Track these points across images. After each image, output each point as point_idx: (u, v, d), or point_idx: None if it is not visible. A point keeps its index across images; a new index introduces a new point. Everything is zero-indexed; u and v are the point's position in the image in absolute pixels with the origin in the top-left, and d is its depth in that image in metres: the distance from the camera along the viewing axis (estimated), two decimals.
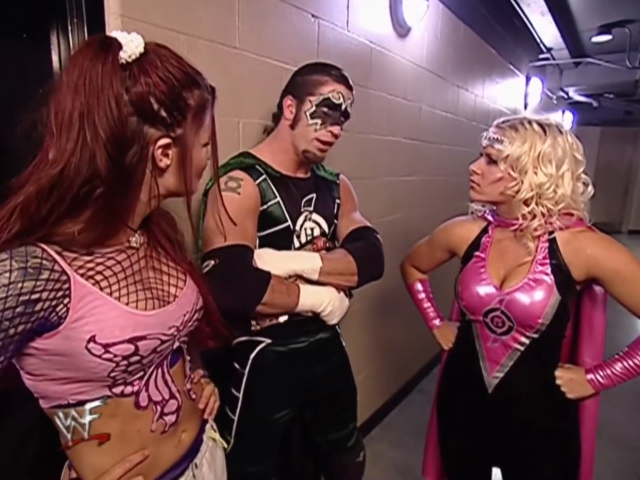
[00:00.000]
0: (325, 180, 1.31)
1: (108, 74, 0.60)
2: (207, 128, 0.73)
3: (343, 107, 1.16)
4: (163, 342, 0.71)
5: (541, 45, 4.27)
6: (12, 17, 0.96)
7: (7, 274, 0.55)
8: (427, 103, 2.58)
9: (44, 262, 0.59)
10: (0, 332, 0.56)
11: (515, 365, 1.11)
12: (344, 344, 1.39)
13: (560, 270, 1.05)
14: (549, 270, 1.06)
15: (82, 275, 0.63)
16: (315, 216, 1.24)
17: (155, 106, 0.64)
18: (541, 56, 4.49)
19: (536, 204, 1.05)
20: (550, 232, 1.08)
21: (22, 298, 0.56)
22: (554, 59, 4.65)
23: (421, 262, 1.42)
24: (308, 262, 1.14)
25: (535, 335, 1.07)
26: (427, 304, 1.42)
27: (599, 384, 1.08)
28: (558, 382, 1.11)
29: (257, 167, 1.18)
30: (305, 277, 1.14)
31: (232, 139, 1.41)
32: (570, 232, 1.07)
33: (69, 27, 1.02)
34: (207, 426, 0.90)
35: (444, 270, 1.43)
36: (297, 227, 1.19)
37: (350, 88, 1.18)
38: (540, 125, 1.05)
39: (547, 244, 1.08)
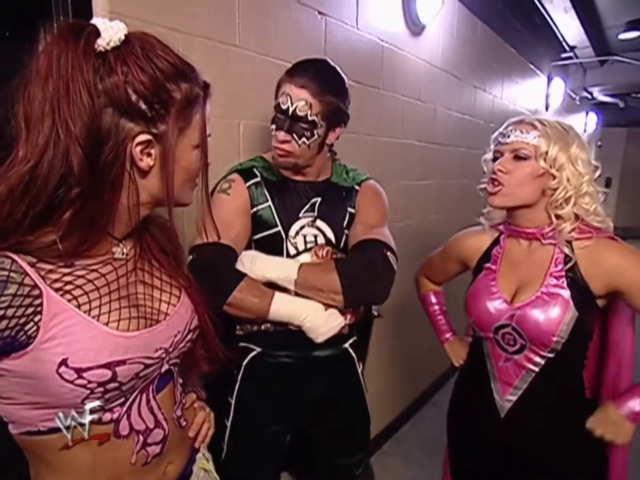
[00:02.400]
0: (336, 186, 1.22)
1: (79, 61, 0.53)
2: (197, 127, 0.64)
3: (290, 110, 1.04)
4: (147, 366, 0.64)
5: (564, 44, 4.12)
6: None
7: None
8: (443, 104, 2.49)
9: (12, 274, 0.53)
10: None
11: (530, 388, 1.02)
12: (359, 367, 1.28)
13: (577, 283, 0.97)
14: (564, 284, 0.98)
15: (57, 289, 0.57)
16: (319, 223, 1.16)
17: (133, 97, 0.57)
18: (564, 55, 4.34)
19: (574, 204, 0.98)
20: (569, 242, 1.00)
21: None
22: (577, 57, 4.49)
23: (434, 274, 1.36)
24: (284, 271, 1.06)
25: (551, 355, 0.99)
26: (439, 317, 1.36)
27: (637, 414, 0.96)
28: (597, 433, 0.98)
29: (255, 170, 1.16)
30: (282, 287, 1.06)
31: (232, 142, 1.35)
32: (591, 241, 0.98)
33: (55, 25, 0.97)
34: (199, 455, 0.82)
35: (461, 282, 1.33)
36: (292, 233, 1.13)
37: (302, 86, 1.03)
38: (561, 125, 1.01)
39: (562, 255, 1.00)
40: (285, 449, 1.28)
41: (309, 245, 1.14)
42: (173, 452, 0.73)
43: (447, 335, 1.33)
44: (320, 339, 1.07)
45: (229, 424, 1.18)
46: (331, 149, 1.23)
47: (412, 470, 2.18)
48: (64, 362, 0.55)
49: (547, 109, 4.18)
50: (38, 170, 0.54)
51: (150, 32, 0.63)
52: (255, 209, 1.12)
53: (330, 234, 1.17)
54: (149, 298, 0.69)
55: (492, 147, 1.08)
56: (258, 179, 1.14)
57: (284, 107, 1.05)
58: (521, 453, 1.05)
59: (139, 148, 0.59)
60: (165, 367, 0.69)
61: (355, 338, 1.27)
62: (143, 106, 0.58)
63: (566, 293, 0.96)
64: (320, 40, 1.60)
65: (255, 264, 1.06)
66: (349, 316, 1.15)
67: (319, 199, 1.17)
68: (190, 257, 1.03)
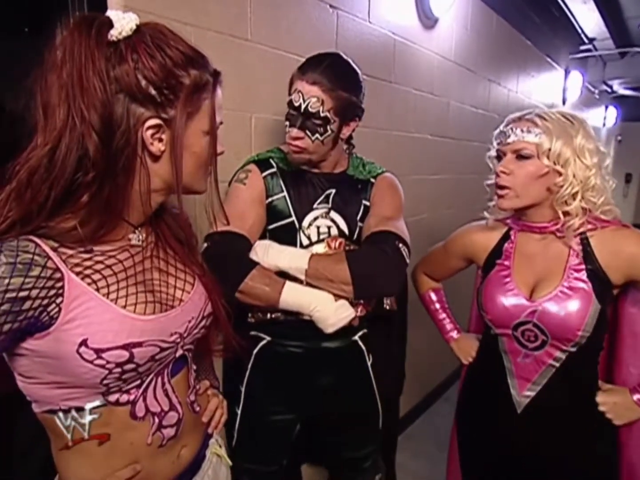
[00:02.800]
0: (352, 179, 1.22)
1: (91, 50, 0.56)
2: (207, 113, 0.65)
3: (302, 107, 1.05)
4: (163, 349, 0.66)
5: (582, 36, 4.02)
6: (13, 11, 0.94)
7: None
8: (456, 98, 2.46)
9: (36, 257, 0.55)
10: None
11: (549, 383, 1.00)
12: (368, 360, 1.28)
13: (597, 275, 0.96)
14: (585, 277, 0.96)
15: (78, 273, 0.59)
16: (333, 214, 1.17)
17: (143, 83, 0.59)
18: (582, 47, 4.24)
19: (581, 198, 0.96)
20: (582, 234, 0.98)
21: (8, 295, 0.53)
22: (596, 49, 4.37)
23: (435, 270, 1.32)
24: (295, 261, 1.06)
25: (573, 349, 0.97)
26: (442, 315, 1.32)
27: None
28: (602, 408, 0.99)
29: (271, 160, 1.18)
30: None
31: (244, 135, 1.36)
32: (605, 231, 0.97)
33: (71, 20, 0.99)
34: (212, 441, 0.84)
35: (458, 276, 1.32)
36: (305, 224, 1.15)
37: (313, 83, 1.04)
38: (564, 116, 0.98)
39: (580, 247, 0.98)
40: (294, 438, 1.29)
41: (322, 237, 1.15)
42: (187, 435, 0.75)
43: (453, 333, 1.29)
44: (329, 329, 1.07)
45: (239, 412, 1.20)
46: (349, 141, 1.23)
47: (423, 465, 2.18)
48: (84, 343, 0.57)
49: (564, 102, 4.10)
50: (57, 154, 0.56)
51: None
52: (270, 199, 1.14)
53: (344, 226, 1.18)
54: (164, 284, 0.71)
55: (494, 144, 1.06)
56: (274, 170, 1.16)
57: (296, 104, 1.06)
58: (537, 448, 1.04)
59: (149, 132, 0.61)
60: (180, 352, 0.71)
61: (365, 330, 1.27)
62: (153, 92, 0.59)
63: (587, 286, 0.95)
64: (332, 34, 1.60)
65: (268, 254, 1.07)
66: (360, 308, 1.16)
67: (333, 191, 1.18)
68: (205, 245, 1.04)
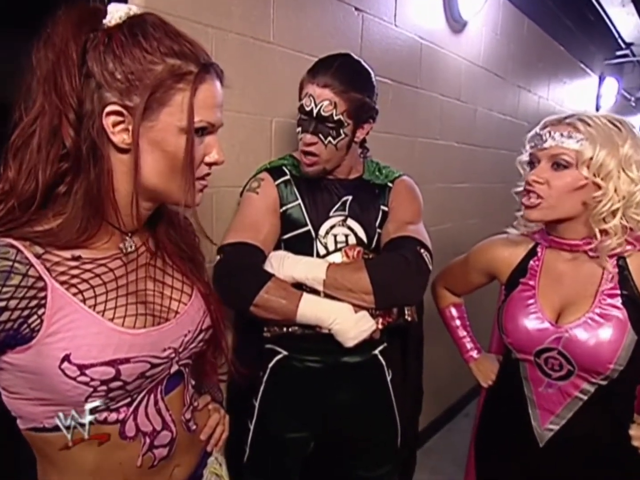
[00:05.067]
0: (369, 184, 1.18)
1: (72, 34, 0.55)
2: (183, 107, 0.58)
3: (315, 112, 1.01)
4: (154, 365, 0.62)
5: (619, 40, 3.87)
6: (34, 14, 0.94)
7: None
8: (484, 105, 2.39)
9: (16, 265, 0.52)
10: None
11: (576, 417, 0.91)
12: (388, 376, 1.23)
13: (634, 302, 0.87)
14: (619, 303, 0.87)
15: (62, 282, 0.56)
16: (350, 222, 1.13)
17: (110, 66, 0.55)
18: (618, 53, 4.08)
19: (622, 216, 0.86)
20: (619, 255, 0.89)
21: None
22: (634, 55, 4.20)
23: (455, 285, 1.24)
24: (312, 271, 1.02)
25: (604, 383, 0.88)
26: (462, 333, 1.24)
27: None
28: (635, 443, 0.90)
29: (284, 168, 1.14)
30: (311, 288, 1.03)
31: (264, 139, 1.34)
32: None
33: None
34: (211, 459, 0.80)
35: (482, 291, 1.24)
36: (322, 233, 1.10)
37: (324, 85, 1.00)
38: (610, 121, 0.87)
39: (616, 270, 0.89)
40: (308, 456, 1.24)
41: (339, 245, 1.11)
42: (181, 455, 0.71)
43: (473, 353, 1.21)
44: (349, 343, 1.02)
45: (252, 427, 1.17)
46: (363, 145, 1.19)
47: None
48: (66, 358, 0.54)
49: (597, 110, 3.95)
50: (33, 141, 0.55)
51: (185, 28, 0.62)
52: (284, 208, 1.11)
53: (362, 234, 1.13)
54: (158, 295, 0.67)
55: (527, 148, 0.96)
56: (287, 177, 1.12)
57: (307, 108, 1.03)
58: None
59: (110, 119, 0.56)
60: (175, 367, 0.67)
61: (385, 344, 1.22)
62: (118, 76, 0.55)
63: (622, 314, 0.86)
64: (357, 38, 1.57)
65: (283, 264, 1.03)
66: (380, 320, 1.10)
67: (350, 197, 1.14)
68: (218, 257, 1.02)
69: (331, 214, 1.12)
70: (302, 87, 1.07)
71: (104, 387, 0.57)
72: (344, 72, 1.03)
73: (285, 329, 1.09)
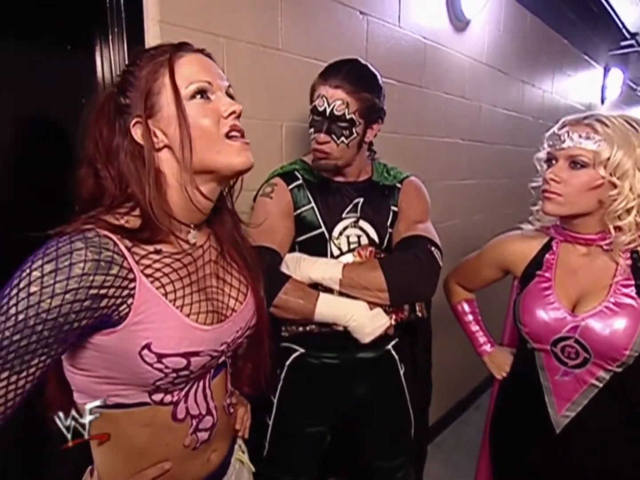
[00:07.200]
0: (378, 185, 1.22)
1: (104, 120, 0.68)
2: (169, 86, 0.63)
3: (328, 111, 1.05)
4: (213, 358, 0.68)
5: (624, 31, 3.84)
6: (57, 29, 0.99)
7: (82, 264, 0.53)
8: (488, 101, 2.41)
9: (115, 256, 0.57)
10: (66, 324, 0.54)
11: (591, 404, 0.95)
12: (401, 369, 1.27)
13: None
14: (633, 293, 0.91)
15: (148, 276, 0.61)
16: (362, 223, 1.17)
17: (121, 101, 0.65)
18: (623, 43, 4.05)
19: (636, 213, 0.89)
20: (633, 249, 0.93)
21: (91, 292, 0.54)
22: (639, 45, 4.18)
23: (468, 281, 1.27)
24: (328, 271, 1.06)
25: (619, 370, 0.91)
26: (475, 327, 1.28)
27: None
28: None
29: (296, 172, 1.18)
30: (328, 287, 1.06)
31: (275, 143, 1.38)
32: None
33: (110, 36, 1.03)
34: (236, 447, 0.85)
35: (492, 286, 1.28)
36: (335, 234, 1.14)
37: (336, 86, 1.05)
38: (627, 121, 0.90)
39: (630, 262, 0.93)
40: (325, 450, 1.28)
41: (352, 246, 1.15)
42: (218, 440, 0.76)
43: (486, 347, 1.24)
44: (366, 339, 1.07)
45: (270, 422, 1.20)
46: (370, 148, 1.23)
47: (453, 475, 2.13)
48: (147, 346, 0.59)
49: (602, 102, 3.94)
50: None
51: (197, 38, 0.68)
52: (298, 211, 1.14)
53: (374, 234, 1.17)
54: (220, 292, 0.72)
55: (545, 146, 1.00)
56: (300, 182, 1.16)
57: (320, 109, 1.06)
58: (578, 471, 0.99)
59: (137, 132, 0.64)
60: (223, 358, 0.73)
61: (397, 340, 1.26)
62: (127, 101, 0.64)
63: (637, 302, 0.90)
64: (362, 40, 1.60)
65: (300, 266, 1.07)
66: (393, 316, 1.14)
67: (361, 200, 1.17)
68: None
69: (343, 215, 1.15)
70: (313, 90, 1.11)
71: (173, 375, 0.62)
72: (354, 74, 1.07)
73: (302, 328, 1.13)
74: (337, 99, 1.05)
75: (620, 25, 3.75)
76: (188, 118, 0.62)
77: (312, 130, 1.10)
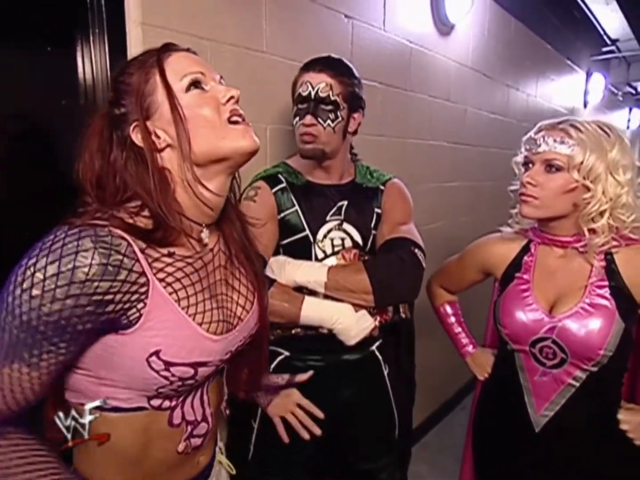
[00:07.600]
0: (362, 188, 1.22)
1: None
2: (161, 85, 0.62)
3: (312, 94, 1.07)
4: (218, 367, 0.68)
5: (605, 37, 3.92)
6: (37, 31, 0.97)
7: (86, 269, 0.52)
8: (473, 104, 2.44)
9: (125, 260, 0.55)
10: (69, 326, 0.53)
11: (569, 403, 0.97)
12: (385, 370, 1.28)
13: (621, 292, 0.92)
14: (608, 294, 0.93)
15: (161, 280, 0.59)
16: (346, 226, 1.17)
17: (115, 111, 0.64)
18: (605, 49, 4.14)
19: (609, 216, 0.91)
20: (607, 251, 0.95)
21: (95, 298, 0.53)
22: (619, 51, 4.26)
23: (450, 283, 1.29)
24: (313, 274, 1.06)
25: (594, 369, 0.93)
26: (457, 329, 1.30)
27: None
28: (623, 427, 0.96)
29: (280, 175, 1.17)
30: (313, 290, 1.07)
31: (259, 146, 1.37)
32: (631, 249, 0.94)
33: (91, 38, 1.02)
34: (217, 449, 0.85)
35: (474, 288, 1.29)
36: (320, 237, 1.14)
37: (319, 70, 1.08)
38: (600, 127, 0.93)
39: (604, 264, 0.95)
40: (311, 452, 1.28)
41: (336, 249, 1.15)
42: (207, 446, 0.76)
43: (468, 348, 1.26)
44: (351, 341, 1.07)
45: (256, 426, 1.19)
46: (352, 151, 1.24)
47: (438, 476, 2.14)
48: (156, 353, 0.58)
49: (585, 106, 4.01)
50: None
51: (181, 40, 0.67)
52: (282, 215, 1.14)
53: (358, 237, 1.17)
54: (229, 300, 0.71)
55: (522, 150, 1.02)
56: (284, 185, 1.15)
57: (304, 93, 1.08)
58: (557, 469, 1.01)
59: (138, 136, 0.62)
60: (222, 365, 0.72)
61: (381, 341, 1.26)
62: (122, 110, 0.63)
63: (610, 304, 0.92)
64: (347, 44, 1.61)
65: (285, 269, 1.07)
66: (377, 318, 1.15)
67: (345, 202, 1.18)
68: None
69: (327, 218, 1.15)
70: (295, 82, 1.13)
71: (179, 383, 0.61)
72: (334, 62, 1.12)
73: (287, 332, 1.12)
74: (321, 82, 1.07)
75: (602, 32, 3.83)
76: (185, 110, 0.61)
77: (297, 119, 1.10)
